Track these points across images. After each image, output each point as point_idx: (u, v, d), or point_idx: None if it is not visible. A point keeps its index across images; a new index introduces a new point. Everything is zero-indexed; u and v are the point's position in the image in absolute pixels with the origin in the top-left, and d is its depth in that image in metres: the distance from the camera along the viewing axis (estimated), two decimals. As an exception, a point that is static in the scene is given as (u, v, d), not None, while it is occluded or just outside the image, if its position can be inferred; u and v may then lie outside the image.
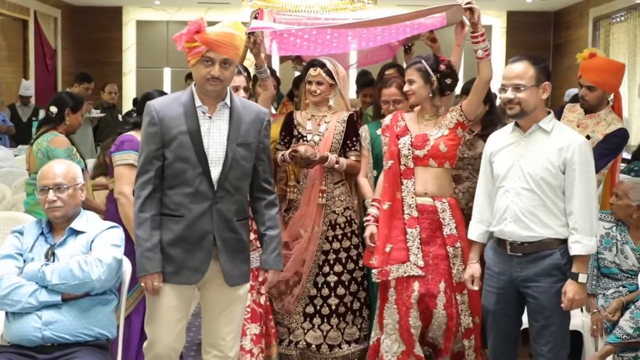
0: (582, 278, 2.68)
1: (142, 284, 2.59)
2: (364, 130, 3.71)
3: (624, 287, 3.43)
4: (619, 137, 3.61)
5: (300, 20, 4.06)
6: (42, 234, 2.77)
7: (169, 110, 2.61)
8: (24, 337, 2.61)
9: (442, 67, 3.19)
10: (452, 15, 3.31)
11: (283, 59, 4.52)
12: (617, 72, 3.73)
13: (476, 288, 2.95)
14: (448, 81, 3.20)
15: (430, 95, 3.20)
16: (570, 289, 2.68)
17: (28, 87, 8.60)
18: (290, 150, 3.61)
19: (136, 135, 3.28)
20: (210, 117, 2.63)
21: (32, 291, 2.61)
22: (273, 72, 4.13)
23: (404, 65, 4.06)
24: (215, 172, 2.60)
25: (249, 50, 3.66)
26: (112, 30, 11.29)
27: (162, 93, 3.37)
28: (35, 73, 9.85)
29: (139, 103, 3.47)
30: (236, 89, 3.41)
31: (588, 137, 3.44)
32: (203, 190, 2.59)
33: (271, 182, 2.80)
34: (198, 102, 2.63)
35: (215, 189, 2.60)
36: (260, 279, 2.78)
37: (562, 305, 2.69)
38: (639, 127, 8.82)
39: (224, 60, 2.56)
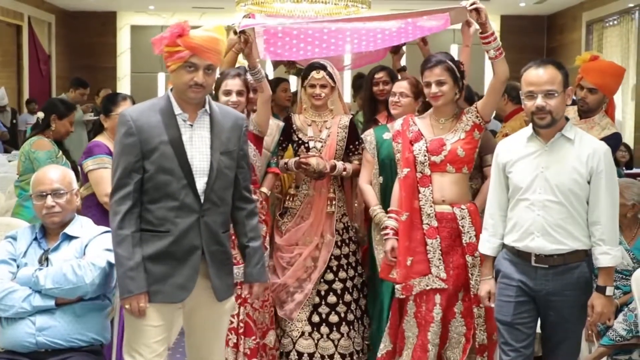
0: (609, 291, 2.58)
1: (127, 307, 2.40)
2: (369, 134, 3.56)
3: (617, 288, 3.44)
4: (614, 141, 3.60)
5: (295, 21, 3.91)
6: (35, 239, 2.75)
7: (147, 118, 2.43)
8: (18, 343, 2.59)
9: (461, 66, 3.06)
10: (455, 17, 3.19)
11: (276, 64, 4.40)
12: (619, 76, 3.73)
13: (493, 305, 2.79)
14: (465, 81, 3.08)
15: (457, 96, 3.06)
16: (598, 302, 2.58)
17: (2, 96, 8.59)
18: (298, 160, 3.52)
19: (103, 140, 3.29)
20: (191, 125, 2.48)
21: (25, 296, 2.59)
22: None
23: (391, 66, 4.01)
24: (200, 183, 2.46)
25: (238, 50, 3.48)
26: (106, 35, 11.30)
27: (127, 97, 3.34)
28: (29, 78, 9.84)
29: (103, 105, 3.48)
30: (228, 92, 3.31)
31: None
32: (189, 203, 2.44)
33: (251, 190, 2.68)
34: (177, 110, 2.47)
35: (202, 201, 2.46)
36: (245, 293, 2.66)
37: (589, 319, 2.61)
38: (631, 130, 8.86)
39: (207, 66, 2.43)
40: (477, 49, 3.08)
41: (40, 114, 4.09)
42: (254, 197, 3.31)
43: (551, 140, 2.62)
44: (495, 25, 11.35)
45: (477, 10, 2.96)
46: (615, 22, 9.31)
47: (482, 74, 9.99)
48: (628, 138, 9.00)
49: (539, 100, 2.55)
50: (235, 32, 3.34)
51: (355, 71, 5.24)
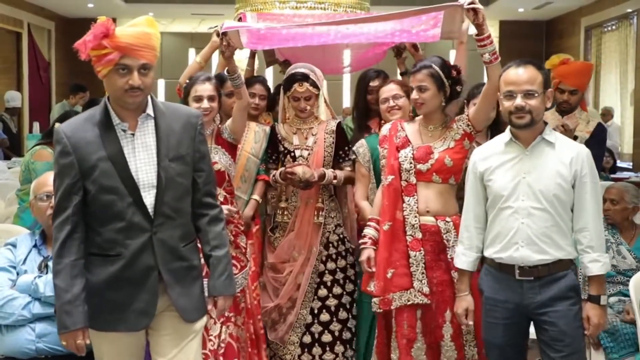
0: (603, 300, 2.46)
1: (64, 343, 2.23)
2: (362, 146, 3.30)
3: (623, 293, 3.44)
4: (604, 131, 3.83)
5: (286, 20, 3.68)
6: (35, 246, 2.76)
7: (83, 133, 2.21)
8: (18, 349, 2.59)
9: (454, 72, 2.90)
10: (447, 24, 3.01)
11: (269, 63, 4.19)
12: (591, 72, 4.00)
13: (471, 323, 2.67)
14: (458, 89, 2.92)
15: (443, 104, 2.90)
16: (593, 313, 2.46)
17: (14, 98, 8.58)
18: (284, 170, 3.33)
19: None
20: (132, 135, 2.24)
21: (25, 303, 2.60)
22: (264, 81, 3.83)
23: (398, 71, 3.86)
24: (149, 198, 2.22)
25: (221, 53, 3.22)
26: (106, 42, 11.30)
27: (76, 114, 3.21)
28: (29, 85, 9.85)
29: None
30: (199, 98, 3.11)
31: (575, 138, 3.50)
32: (137, 222, 2.21)
33: (214, 194, 2.42)
34: (116, 120, 2.23)
35: (153, 217, 2.23)
36: (208, 307, 2.40)
37: (585, 332, 2.49)
38: (630, 134, 8.87)
39: (142, 65, 2.19)
40: (476, 55, 2.99)
41: (58, 125, 4.07)
42: (232, 207, 3.18)
43: (532, 144, 2.52)
44: (494, 30, 11.36)
45: (474, 10, 2.76)
46: (614, 27, 9.33)
47: (481, 79, 10.00)
48: (627, 143, 9.02)
49: (518, 100, 2.47)
50: (218, 34, 3.21)
51: (358, 74, 5.12)
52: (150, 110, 2.27)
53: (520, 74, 2.50)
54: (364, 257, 2.98)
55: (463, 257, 2.66)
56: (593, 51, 9.84)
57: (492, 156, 2.60)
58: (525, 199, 2.49)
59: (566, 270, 2.50)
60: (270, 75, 8.38)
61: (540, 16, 11.05)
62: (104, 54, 2.14)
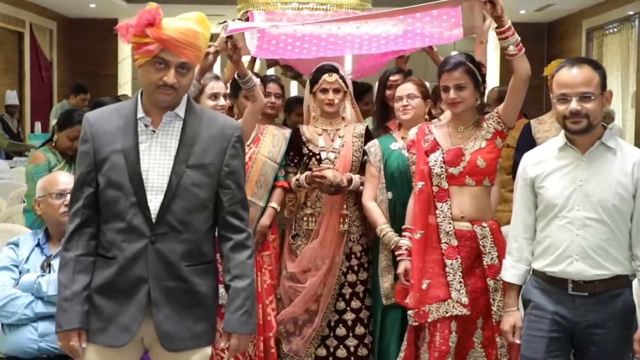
0: None
1: (59, 343, 2.11)
2: (374, 145, 3.21)
3: None
4: None
5: (295, 18, 3.66)
6: (38, 245, 2.75)
7: (105, 123, 2.08)
8: (20, 348, 2.60)
9: (483, 69, 2.79)
10: (468, 19, 2.91)
11: (270, 65, 4.13)
12: None
13: (518, 341, 2.46)
14: (486, 85, 2.79)
15: (478, 102, 2.76)
16: None
17: (9, 96, 8.56)
18: (311, 174, 3.17)
19: None
20: (153, 132, 2.07)
21: (27, 303, 2.60)
22: (277, 79, 3.75)
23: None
24: (155, 202, 2.04)
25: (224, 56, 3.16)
26: (107, 42, 11.29)
27: (116, 100, 3.17)
28: (30, 85, 9.86)
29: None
30: (216, 96, 3.04)
31: None
32: (137, 225, 2.03)
33: (242, 216, 2.15)
34: (140, 113, 2.07)
35: (154, 223, 2.04)
36: (222, 345, 2.15)
37: (637, 356, 2.33)
38: (632, 137, 8.87)
39: (181, 64, 2.03)
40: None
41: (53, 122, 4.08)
42: None
43: (589, 150, 2.33)
44: (494, 33, 11.34)
45: (492, 2, 2.62)
46: (615, 29, 9.33)
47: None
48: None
49: (574, 104, 2.26)
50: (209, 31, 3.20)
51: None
52: (180, 111, 2.10)
53: (575, 75, 2.29)
54: (400, 269, 2.86)
55: (512, 270, 2.48)
56: (594, 54, 9.83)
57: (544, 161, 2.41)
58: (580, 209, 2.31)
59: (623, 287, 2.34)
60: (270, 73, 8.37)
61: (541, 18, 11.04)
62: (145, 43, 1.99)
